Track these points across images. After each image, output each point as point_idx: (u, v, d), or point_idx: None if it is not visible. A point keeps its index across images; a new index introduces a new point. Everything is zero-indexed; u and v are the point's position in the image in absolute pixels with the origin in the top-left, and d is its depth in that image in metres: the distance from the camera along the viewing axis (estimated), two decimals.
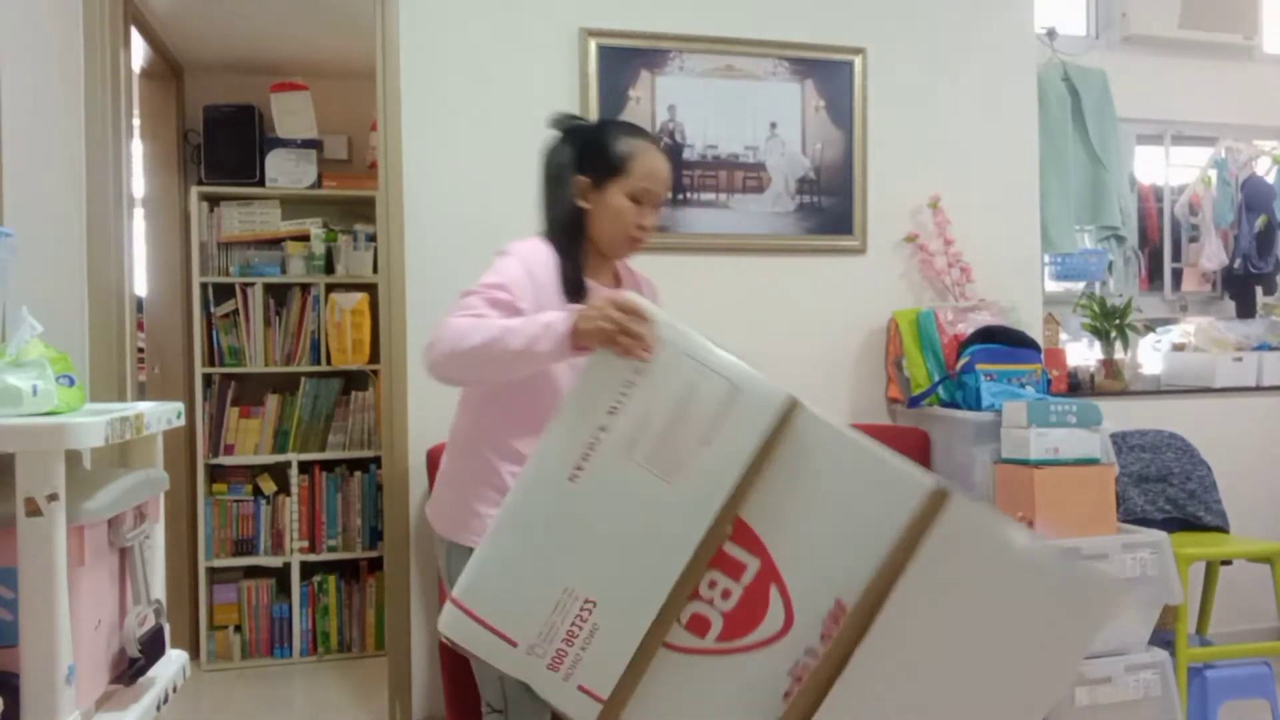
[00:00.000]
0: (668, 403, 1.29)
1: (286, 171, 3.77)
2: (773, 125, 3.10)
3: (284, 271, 3.79)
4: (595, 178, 1.77)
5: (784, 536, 1.27)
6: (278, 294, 3.79)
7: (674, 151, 3.01)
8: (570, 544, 1.29)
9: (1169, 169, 3.98)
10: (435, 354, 1.61)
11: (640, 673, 1.26)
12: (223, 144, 3.75)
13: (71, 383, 1.32)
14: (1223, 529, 3.16)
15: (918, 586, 1.22)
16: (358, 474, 3.80)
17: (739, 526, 1.27)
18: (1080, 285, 3.77)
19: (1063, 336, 3.58)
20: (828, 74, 3.13)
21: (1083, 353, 3.72)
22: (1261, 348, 3.71)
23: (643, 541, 1.28)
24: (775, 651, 1.26)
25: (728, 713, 1.28)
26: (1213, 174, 3.90)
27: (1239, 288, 3.96)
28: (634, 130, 1.84)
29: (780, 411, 1.27)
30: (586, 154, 1.79)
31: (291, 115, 3.80)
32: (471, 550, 1.44)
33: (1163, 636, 2.72)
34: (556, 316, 1.50)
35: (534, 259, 1.74)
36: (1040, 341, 3.16)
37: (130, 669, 1.37)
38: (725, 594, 1.27)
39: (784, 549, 1.27)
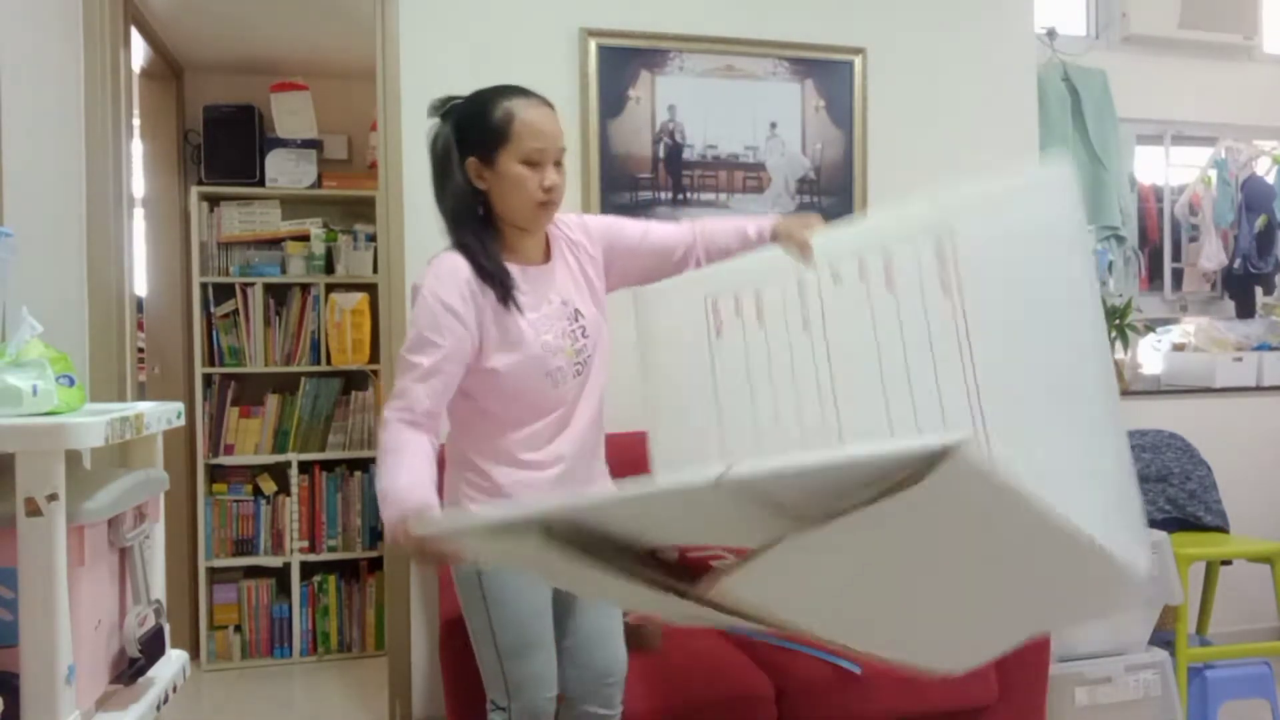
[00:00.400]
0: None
1: (286, 171, 3.77)
2: (773, 125, 3.10)
3: (284, 271, 3.79)
4: (482, 154, 1.66)
5: None
6: (278, 294, 3.79)
7: (674, 151, 3.01)
8: None
9: (1169, 169, 3.98)
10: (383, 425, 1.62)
11: None
12: (223, 144, 3.75)
13: (71, 383, 1.32)
14: (1223, 529, 3.16)
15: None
16: (358, 474, 3.80)
17: None
18: None
19: None
20: (828, 74, 3.13)
21: None
22: (1261, 348, 3.71)
23: None
24: None
25: None
26: (1213, 174, 3.90)
27: (1239, 288, 3.96)
28: (506, 91, 1.68)
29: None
30: (466, 133, 1.68)
31: (291, 115, 3.80)
32: (475, 564, 1.57)
33: (1163, 636, 2.72)
34: (399, 508, 1.47)
35: (448, 283, 1.62)
36: None
37: (130, 669, 1.37)
38: None
39: None
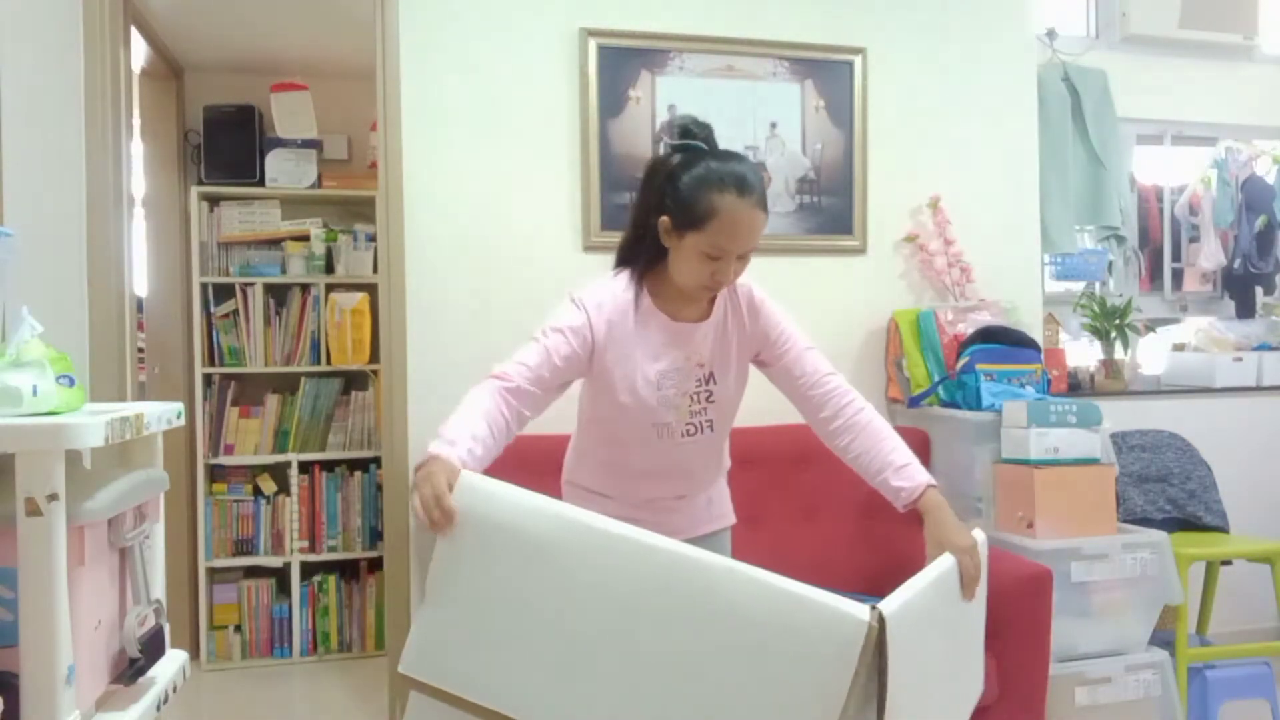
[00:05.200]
0: None
1: (286, 171, 3.77)
2: (773, 125, 3.10)
3: (284, 271, 3.79)
4: (675, 222, 1.66)
5: None
6: (278, 294, 3.79)
7: None
8: None
9: (1169, 169, 3.98)
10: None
11: None
12: (223, 144, 3.75)
13: (71, 383, 1.32)
14: (1223, 529, 3.16)
15: None
16: (358, 474, 3.80)
17: None
18: (1080, 285, 3.77)
19: (1063, 336, 3.58)
20: (828, 74, 3.13)
21: (1083, 353, 3.72)
22: (1261, 348, 3.71)
23: None
24: None
25: None
26: (1213, 174, 3.90)
27: (1239, 288, 3.96)
28: (726, 182, 1.62)
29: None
30: (671, 194, 1.67)
31: (291, 115, 3.80)
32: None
33: (1163, 636, 2.72)
34: (439, 446, 1.48)
35: (605, 298, 1.72)
36: (1040, 341, 3.16)
37: (130, 669, 1.37)
38: None
39: None
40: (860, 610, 1.15)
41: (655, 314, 1.74)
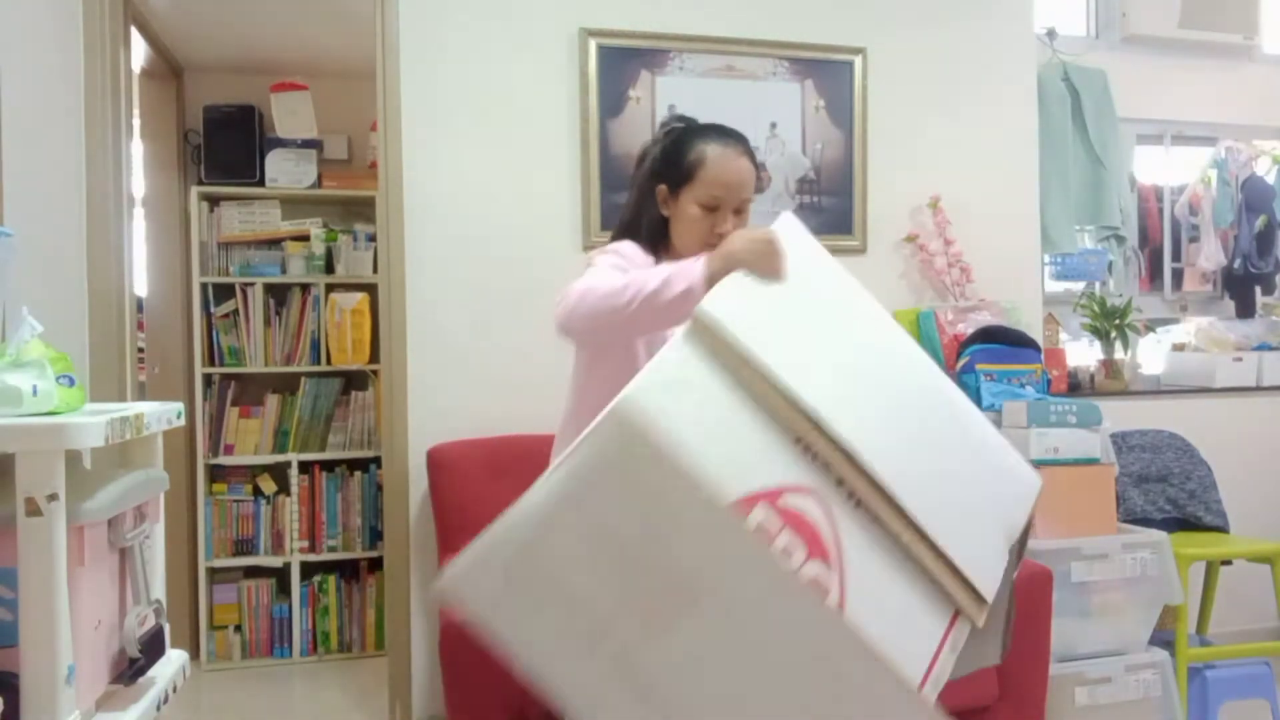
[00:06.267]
0: (591, 565, 1.01)
1: (286, 171, 3.77)
2: (773, 125, 3.10)
3: (284, 271, 3.79)
4: (670, 185, 1.75)
5: (738, 473, 1.22)
6: (278, 294, 3.79)
7: None
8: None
9: (1169, 169, 3.98)
10: (566, 305, 1.56)
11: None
12: (223, 144, 3.75)
13: (71, 383, 1.32)
14: (1223, 529, 3.16)
15: None
16: (358, 474, 3.80)
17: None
18: (1080, 285, 3.77)
19: (1063, 336, 3.58)
20: (828, 74, 3.13)
21: (1083, 353, 3.72)
22: (1261, 348, 3.71)
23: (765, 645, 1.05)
24: (837, 519, 1.23)
25: (900, 572, 1.18)
26: (1213, 174, 3.90)
27: (1239, 288, 3.96)
28: (708, 133, 1.75)
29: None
30: (664, 160, 1.76)
31: (291, 115, 3.80)
32: None
33: (1163, 636, 2.72)
34: (688, 261, 1.44)
35: (629, 252, 1.74)
36: (1040, 341, 3.16)
37: (130, 669, 1.37)
38: (788, 551, 1.16)
39: (746, 479, 1.23)
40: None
41: None
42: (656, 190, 1.77)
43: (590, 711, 1.00)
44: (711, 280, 1.34)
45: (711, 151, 1.71)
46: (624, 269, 1.64)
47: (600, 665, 0.98)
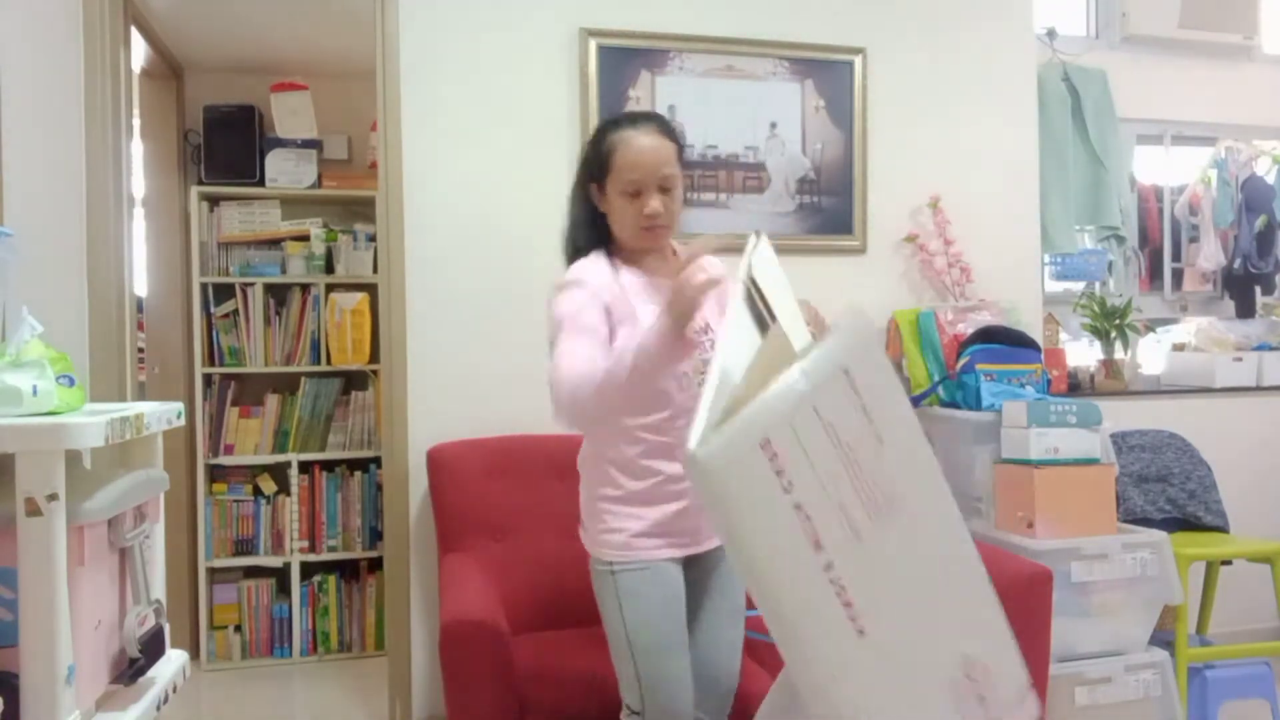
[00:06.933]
0: (833, 468, 1.03)
1: (286, 171, 3.77)
2: (773, 125, 3.10)
3: (284, 271, 3.79)
4: (597, 181, 1.79)
5: None
6: (278, 294, 3.79)
7: None
8: (908, 669, 1.09)
9: (1169, 169, 3.98)
10: (563, 414, 1.62)
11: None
12: (223, 144, 3.74)
13: (71, 383, 1.32)
14: (1223, 529, 3.16)
15: None
16: (358, 474, 3.80)
17: None
18: (1080, 285, 3.77)
19: (1063, 336, 3.58)
20: (828, 74, 3.13)
21: (1083, 353, 3.72)
22: (1261, 348, 3.71)
23: (931, 561, 1.11)
24: None
25: None
26: (1213, 174, 3.90)
27: (1239, 288, 3.96)
28: (619, 123, 1.79)
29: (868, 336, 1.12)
30: (588, 159, 1.81)
31: (291, 115, 3.80)
32: (610, 565, 1.69)
33: (1163, 636, 2.72)
34: (648, 326, 1.55)
35: (588, 268, 1.75)
36: (1040, 341, 3.16)
37: (130, 669, 1.37)
38: None
39: None
40: None
41: (632, 274, 1.78)
42: (590, 188, 1.80)
43: (797, 615, 1.02)
44: (671, 330, 1.50)
45: (620, 138, 1.74)
46: (580, 336, 1.64)
47: (818, 573, 1.01)
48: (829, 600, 1.01)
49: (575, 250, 1.83)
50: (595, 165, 1.78)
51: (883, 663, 1.03)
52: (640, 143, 1.73)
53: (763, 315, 1.35)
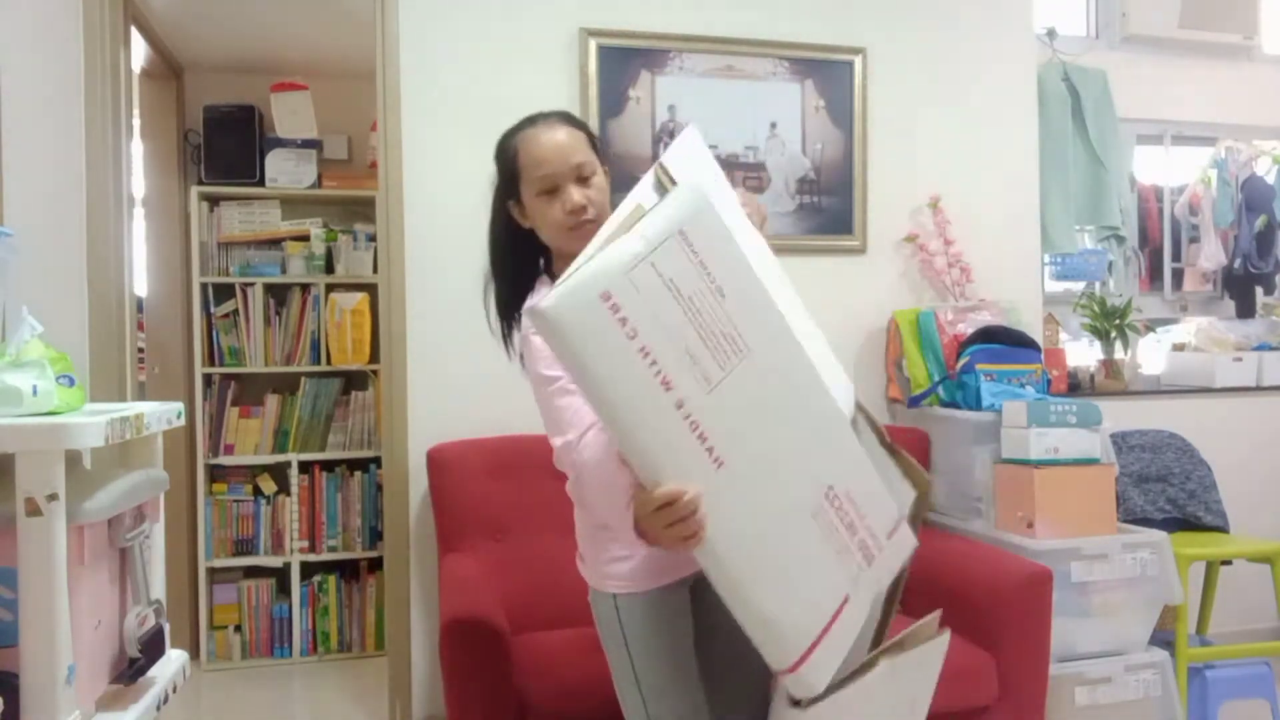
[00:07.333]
0: (675, 318, 1.14)
1: (286, 171, 3.77)
2: (773, 125, 3.10)
3: (284, 271, 3.79)
4: (513, 195, 1.64)
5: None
6: (278, 294, 3.79)
7: None
8: (770, 498, 1.17)
9: (1169, 169, 3.98)
10: (577, 484, 1.47)
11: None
12: (223, 144, 3.75)
13: (71, 383, 1.32)
14: (1223, 529, 3.16)
15: None
16: (358, 474, 3.80)
17: None
18: (1080, 285, 3.77)
19: (1063, 336, 3.58)
20: (828, 74, 3.13)
21: (1083, 353, 3.72)
22: (1261, 348, 3.71)
23: (786, 401, 1.21)
24: None
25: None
26: (1213, 174, 3.90)
27: (1239, 288, 3.96)
28: (518, 127, 1.64)
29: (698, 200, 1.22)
30: (500, 178, 1.67)
31: (291, 115, 3.80)
32: (613, 597, 1.56)
33: (1163, 636, 2.72)
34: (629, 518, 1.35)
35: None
36: (1040, 341, 3.16)
37: (130, 669, 1.37)
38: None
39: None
40: None
41: None
42: (510, 208, 1.66)
43: (658, 451, 1.11)
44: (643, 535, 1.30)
45: (521, 139, 1.61)
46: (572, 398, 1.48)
47: (670, 410, 1.10)
48: (685, 435, 1.10)
49: (502, 283, 1.68)
50: (505, 178, 1.65)
51: (745, 493, 1.12)
52: (543, 137, 1.59)
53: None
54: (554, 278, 1.64)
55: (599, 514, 1.51)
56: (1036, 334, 3.21)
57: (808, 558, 1.18)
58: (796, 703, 1.21)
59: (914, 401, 3.00)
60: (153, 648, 1.41)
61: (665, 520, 1.18)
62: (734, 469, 1.12)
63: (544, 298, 1.09)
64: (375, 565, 3.74)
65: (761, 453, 1.15)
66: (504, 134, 1.67)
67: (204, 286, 3.71)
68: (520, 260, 1.69)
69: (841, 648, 1.24)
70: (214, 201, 3.77)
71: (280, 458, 3.74)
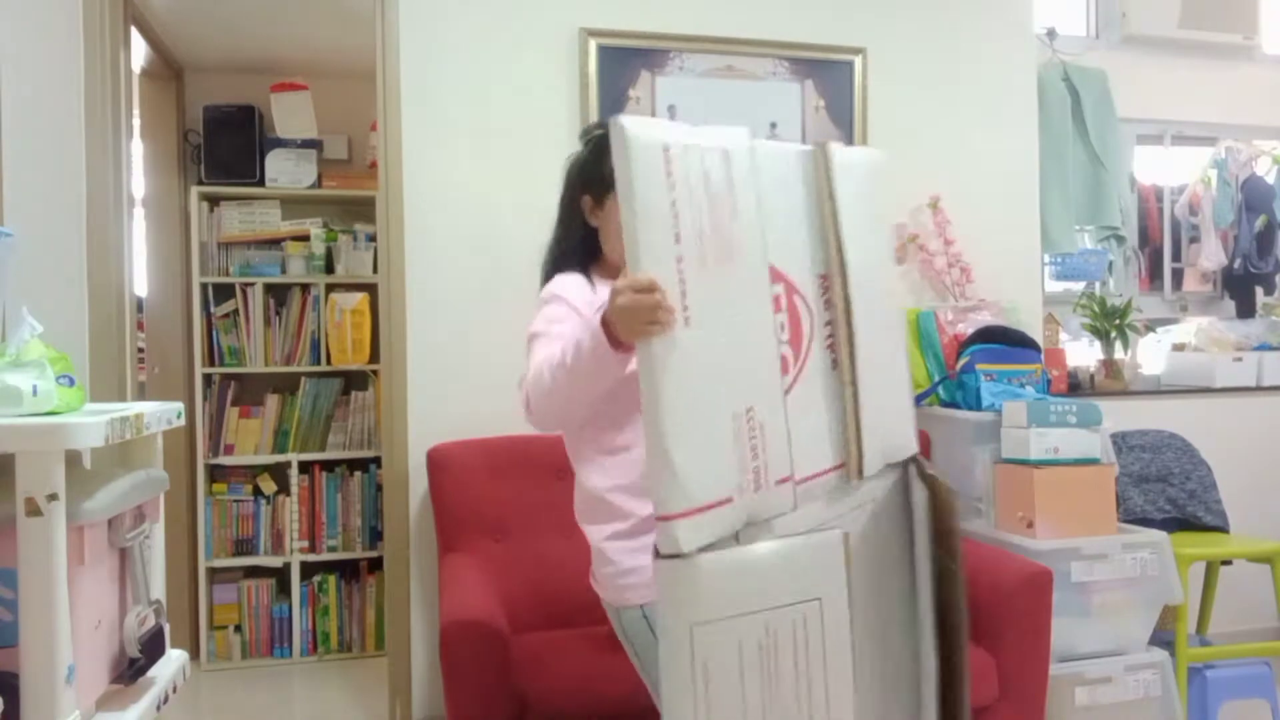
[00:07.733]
0: (700, 201, 1.29)
1: (286, 171, 3.77)
2: (773, 125, 3.10)
3: (284, 271, 3.79)
4: (594, 195, 1.70)
5: (782, 252, 1.41)
6: (278, 294, 3.79)
7: None
8: (713, 376, 1.27)
9: (1169, 169, 3.98)
10: (528, 411, 1.58)
11: (790, 436, 1.36)
12: (223, 144, 3.75)
13: (71, 383, 1.32)
14: (1223, 529, 3.16)
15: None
16: (358, 474, 3.80)
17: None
18: (1080, 285, 3.77)
19: (1063, 336, 3.58)
20: (828, 74, 3.13)
21: (1083, 353, 3.72)
22: (1261, 348, 3.71)
23: (745, 326, 1.32)
24: (815, 341, 1.46)
25: (827, 407, 1.45)
26: (1213, 174, 3.90)
27: (1239, 288, 3.96)
28: None
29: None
30: (586, 169, 1.72)
31: (291, 115, 3.80)
32: (641, 608, 1.58)
33: (1163, 636, 2.72)
34: (591, 321, 1.43)
35: (575, 292, 1.68)
36: (1040, 341, 3.16)
37: (130, 669, 1.37)
38: (782, 327, 1.38)
39: (785, 260, 1.40)
40: None
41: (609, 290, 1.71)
42: (581, 202, 1.72)
43: (648, 271, 1.24)
44: (610, 327, 1.37)
45: None
46: (566, 323, 1.59)
47: (670, 258, 1.24)
48: (673, 282, 1.23)
49: (554, 268, 1.76)
50: (596, 180, 1.67)
51: (698, 356, 1.23)
52: None
53: None
54: (588, 278, 1.72)
55: (552, 412, 1.58)
56: (1036, 334, 3.21)
57: (720, 442, 1.25)
58: (659, 555, 1.23)
59: (914, 401, 2.99)
60: (153, 648, 1.41)
61: (642, 297, 1.24)
62: (695, 334, 1.24)
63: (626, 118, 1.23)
64: (375, 565, 3.74)
65: (717, 340, 1.27)
66: (606, 137, 1.67)
67: (204, 286, 3.71)
68: (581, 252, 1.75)
69: (712, 535, 1.28)
70: (214, 201, 3.77)
71: (280, 458, 3.74)
